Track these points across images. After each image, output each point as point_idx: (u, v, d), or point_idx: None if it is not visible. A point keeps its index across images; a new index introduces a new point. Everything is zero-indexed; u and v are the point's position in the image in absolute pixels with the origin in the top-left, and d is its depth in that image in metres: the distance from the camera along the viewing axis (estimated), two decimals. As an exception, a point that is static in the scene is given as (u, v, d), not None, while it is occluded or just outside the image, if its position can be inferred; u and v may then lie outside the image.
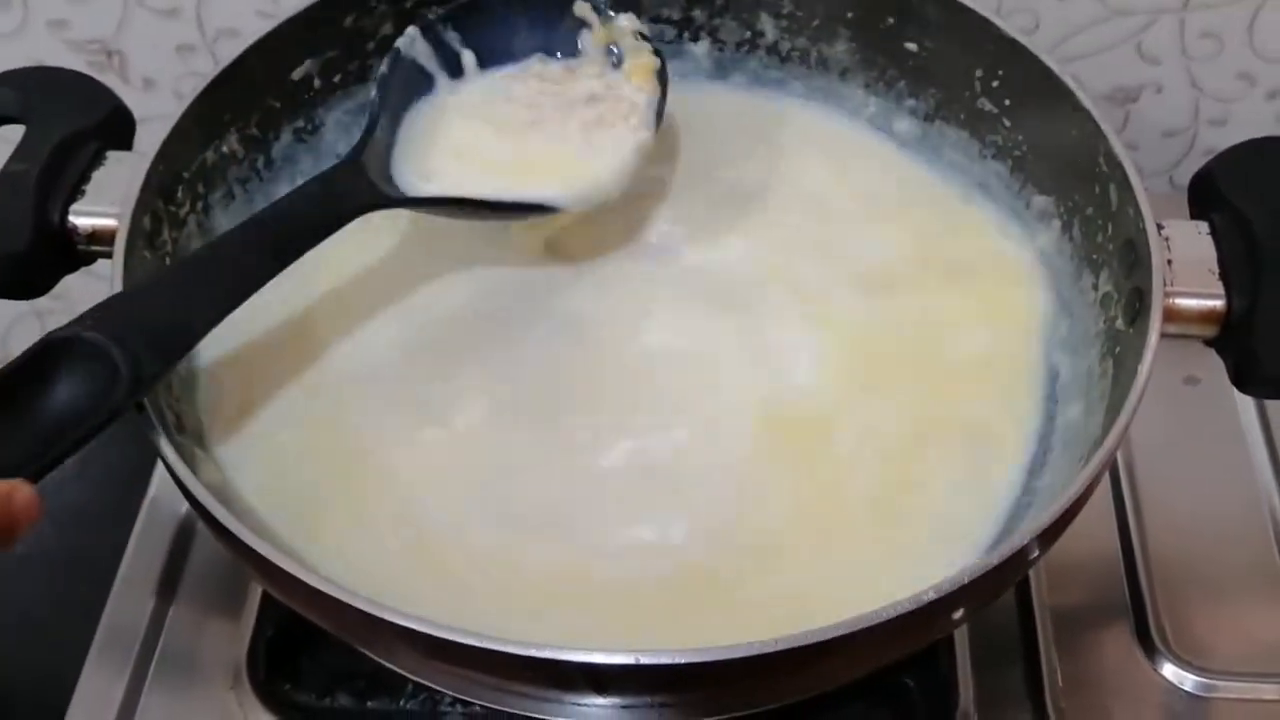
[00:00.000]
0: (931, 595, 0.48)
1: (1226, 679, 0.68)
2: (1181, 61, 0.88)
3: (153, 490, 0.79)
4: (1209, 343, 0.60)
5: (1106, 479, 0.75)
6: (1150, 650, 0.69)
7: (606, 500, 0.61)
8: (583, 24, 0.70)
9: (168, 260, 0.62)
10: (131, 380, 0.50)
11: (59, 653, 0.72)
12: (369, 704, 0.67)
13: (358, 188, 0.62)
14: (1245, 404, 0.79)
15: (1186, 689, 0.68)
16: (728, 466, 0.62)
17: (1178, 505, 0.75)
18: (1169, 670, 0.69)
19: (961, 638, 0.69)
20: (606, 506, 0.60)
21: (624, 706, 0.53)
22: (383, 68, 0.67)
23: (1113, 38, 0.87)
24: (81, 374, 0.50)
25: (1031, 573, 0.71)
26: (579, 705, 0.52)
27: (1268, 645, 0.70)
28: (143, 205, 0.60)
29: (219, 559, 0.74)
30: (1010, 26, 0.67)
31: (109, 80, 0.69)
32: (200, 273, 0.57)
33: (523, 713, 0.57)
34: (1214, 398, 0.79)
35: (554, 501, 0.60)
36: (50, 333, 0.51)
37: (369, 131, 0.64)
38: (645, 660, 0.46)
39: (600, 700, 0.51)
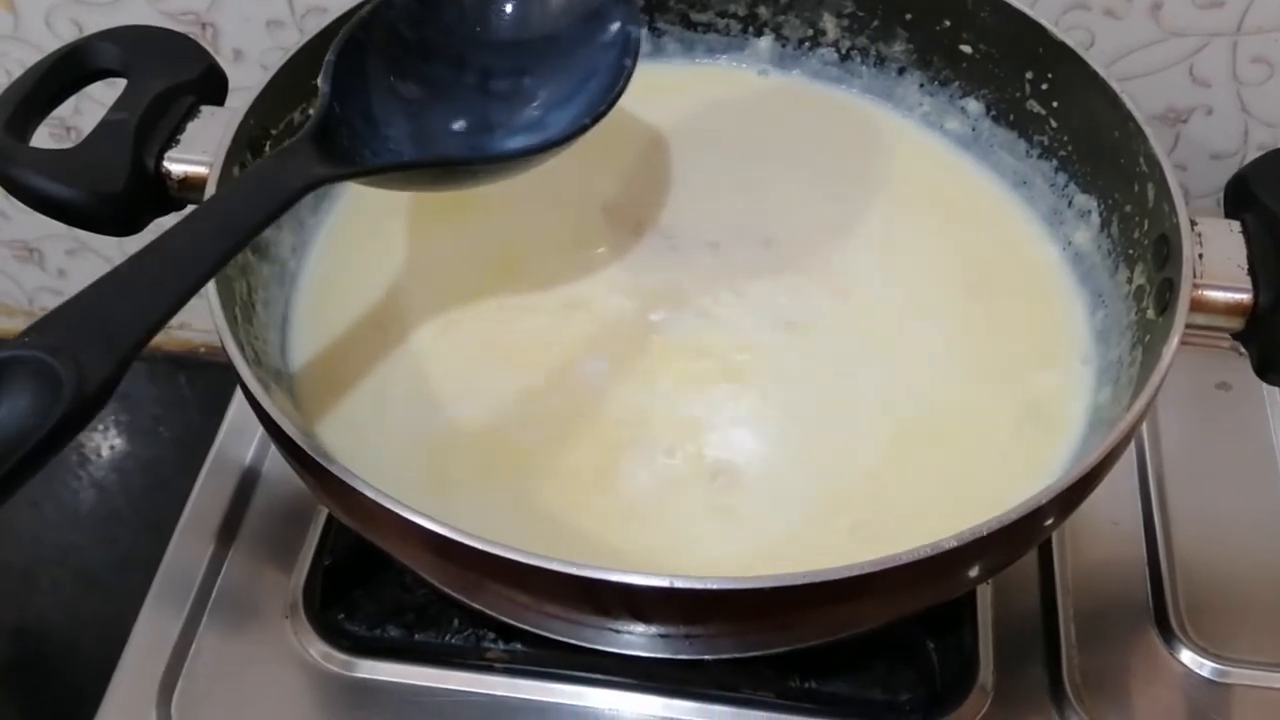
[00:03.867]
0: (951, 544, 0.50)
1: (1243, 666, 0.71)
2: (1232, 85, 0.90)
3: (218, 443, 0.83)
4: (1236, 335, 0.62)
5: (1135, 475, 0.78)
6: (1169, 636, 0.71)
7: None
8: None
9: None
10: (76, 386, 0.46)
11: (118, 604, 0.76)
12: (416, 637, 0.70)
13: (305, 163, 0.57)
14: (1274, 408, 0.81)
15: (1204, 675, 0.70)
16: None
17: (1203, 501, 0.77)
18: (1186, 656, 0.71)
19: (985, 612, 0.71)
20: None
21: (659, 635, 0.56)
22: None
23: (1165, 59, 0.89)
24: (18, 392, 0.45)
25: (1056, 558, 0.74)
26: (615, 632, 0.55)
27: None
28: (233, 156, 0.63)
29: (279, 506, 0.78)
30: (1059, 31, 0.70)
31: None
32: (147, 266, 0.51)
33: (561, 638, 0.60)
34: (1244, 402, 0.81)
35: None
36: None
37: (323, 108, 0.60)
38: (680, 585, 0.49)
39: (635, 626, 0.54)
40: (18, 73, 0.68)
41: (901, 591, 0.54)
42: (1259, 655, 0.71)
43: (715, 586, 0.49)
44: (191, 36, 0.70)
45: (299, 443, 0.53)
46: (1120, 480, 0.57)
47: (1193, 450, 0.79)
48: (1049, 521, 0.56)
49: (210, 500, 0.79)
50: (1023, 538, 0.57)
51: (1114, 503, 0.74)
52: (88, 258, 1.13)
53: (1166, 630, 0.72)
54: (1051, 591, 0.73)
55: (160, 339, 0.53)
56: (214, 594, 0.74)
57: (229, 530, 0.77)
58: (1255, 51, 0.88)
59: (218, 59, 0.70)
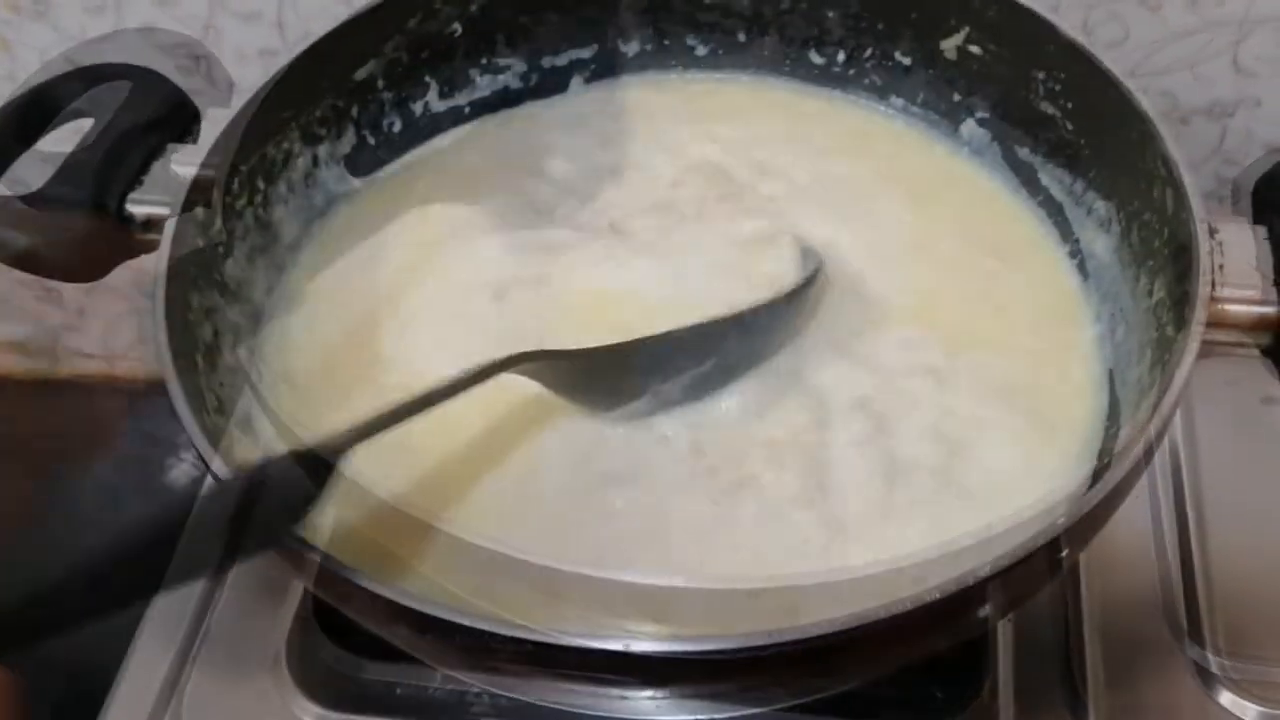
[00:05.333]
0: (970, 580, 0.48)
1: (1260, 664, 0.69)
2: (1239, 83, 0.86)
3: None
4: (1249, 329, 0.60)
5: (1148, 478, 0.75)
6: (1180, 635, 0.70)
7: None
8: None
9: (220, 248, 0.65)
10: None
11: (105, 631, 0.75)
12: (398, 692, 0.68)
13: None
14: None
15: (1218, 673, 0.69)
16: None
17: (1218, 504, 0.75)
18: (1202, 655, 0.69)
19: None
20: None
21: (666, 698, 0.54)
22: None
23: (1173, 59, 0.85)
24: None
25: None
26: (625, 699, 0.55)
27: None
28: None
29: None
30: (1068, 26, 0.68)
31: (195, 82, 0.72)
32: None
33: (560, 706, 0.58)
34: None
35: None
36: None
37: None
38: (677, 647, 0.48)
39: (643, 691, 0.53)
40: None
41: (921, 628, 0.52)
42: (1276, 657, 0.69)
43: (710, 648, 0.48)
44: (184, 75, 0.70)
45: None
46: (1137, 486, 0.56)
47: (1206, 450, 0.77)
48: (1063, 554, 0.53)
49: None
50: (1033, 576, 0.54)
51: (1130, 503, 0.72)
52: (105, 296, 1.13)
53: (1178, 630, 0.70)
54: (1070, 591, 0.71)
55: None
56: (200, 638, 0.73)
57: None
58: (1258, 50, 0.84)
59: (214, 89, 0.69)
